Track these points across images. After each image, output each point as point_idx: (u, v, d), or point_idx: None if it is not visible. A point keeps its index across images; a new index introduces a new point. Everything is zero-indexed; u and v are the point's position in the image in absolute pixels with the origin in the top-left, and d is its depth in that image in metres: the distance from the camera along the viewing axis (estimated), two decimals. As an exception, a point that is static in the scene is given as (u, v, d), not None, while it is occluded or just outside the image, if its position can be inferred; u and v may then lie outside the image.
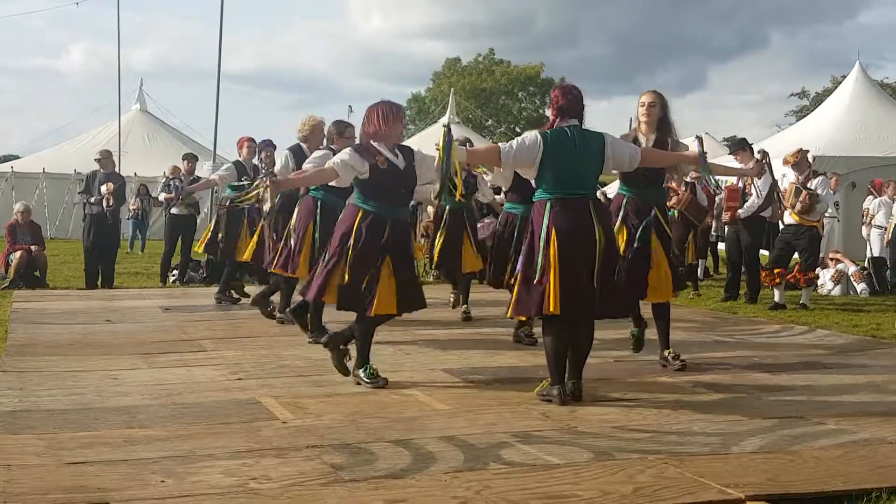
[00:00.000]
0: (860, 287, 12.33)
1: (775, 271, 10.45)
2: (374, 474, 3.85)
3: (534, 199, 5.35)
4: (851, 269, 12.62)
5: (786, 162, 10.66)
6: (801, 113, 40.37)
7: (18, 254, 12.02)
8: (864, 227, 14.46)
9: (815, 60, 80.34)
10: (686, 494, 3.66)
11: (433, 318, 8.54)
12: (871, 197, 14.75)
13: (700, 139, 5.84)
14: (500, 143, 5.39)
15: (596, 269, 5.12)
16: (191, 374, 5.98)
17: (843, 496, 3.69)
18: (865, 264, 13.06)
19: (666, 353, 6.35)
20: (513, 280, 5.64)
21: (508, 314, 5.48)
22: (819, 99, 37.46)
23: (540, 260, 5.14)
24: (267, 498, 3.55)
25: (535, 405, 5.18)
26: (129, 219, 19.36)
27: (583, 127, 5.32)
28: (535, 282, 5.14)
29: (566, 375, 5.24)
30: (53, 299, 10.03)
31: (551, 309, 5.07)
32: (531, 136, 5.29)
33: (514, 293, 5.33)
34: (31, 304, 9.42)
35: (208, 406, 5.06)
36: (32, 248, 12.22)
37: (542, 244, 5.14)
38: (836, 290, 12.37)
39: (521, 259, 5.37)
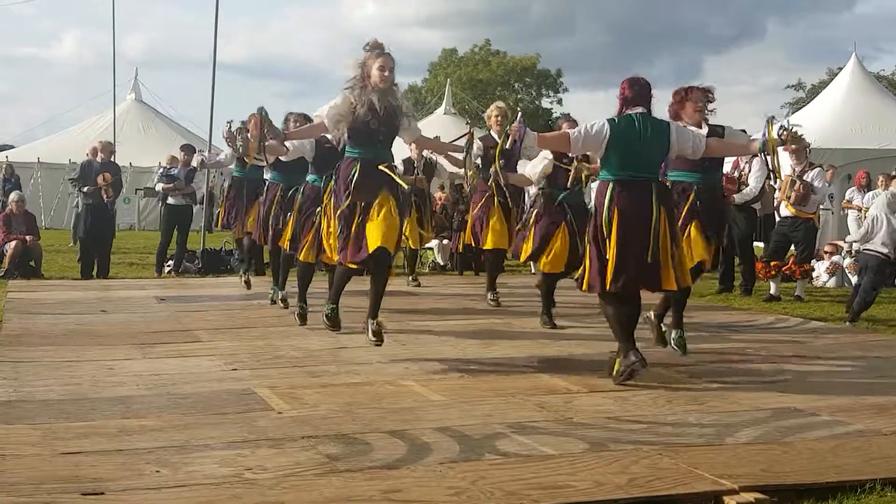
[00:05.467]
0: (855, 279, 12.35)
1: (772, 264, 10.46)
2: (369, 465, 3.86)
3: (598, 179, 5.69)
4: (847, 260, 12.64)
5: (785, 147, 10.63)
6: (797, 105, 40.23)
7: (13, 244, 12.01)
8: (850, 220, 14.47)
9: (811, 51, 79.98)
10: (680, 485, 3.67)
11: (428, 308, 8.55)
12: (853, 188, 14.79)
13: (770, 119, 6.12)
14: (568, 131, 5.70)
15: (650, 246, 5.39)
16: (186, 364, 5.98)
17: (836, 487, 3.71)
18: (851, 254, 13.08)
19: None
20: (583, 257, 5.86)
21: (584, 288, 5.66)
22: (815, 91, 37.35)
23: (604, 238, 5.46)
24: (262, 488, 3.56)
25: (531, 396, 5.19)
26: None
27: (650, 115, 5.63)
28: (602, 260, 5.47)
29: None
30: (48, 289, 10.01)
31: (608, 288, 5.43)
32: (598, 123, 5.57)
33: (587, 269, 5.59)
34: (26, 294, 9.40)
35: (204, 396, 5.06)
36: (27, 238, 12.21)
37: (605, 223, 5.45)
38: (831, 282, 12.40)
39: (590, 237, 5.62)
